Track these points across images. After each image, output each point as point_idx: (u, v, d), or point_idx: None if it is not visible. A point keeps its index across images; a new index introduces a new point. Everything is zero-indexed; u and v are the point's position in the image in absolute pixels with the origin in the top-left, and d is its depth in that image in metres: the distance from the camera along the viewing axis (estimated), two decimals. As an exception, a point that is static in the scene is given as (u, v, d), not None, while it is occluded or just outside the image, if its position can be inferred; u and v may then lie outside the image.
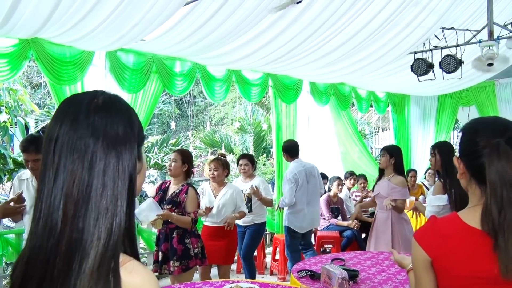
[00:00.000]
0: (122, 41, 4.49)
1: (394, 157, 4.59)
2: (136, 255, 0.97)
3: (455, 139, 12.70)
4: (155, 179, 10.93)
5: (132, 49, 5.06)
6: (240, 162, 5.35)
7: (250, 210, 5.10)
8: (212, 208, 4.61)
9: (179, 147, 11.96)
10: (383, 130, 14.76)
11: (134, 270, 0.91)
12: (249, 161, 5.32)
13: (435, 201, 4.01)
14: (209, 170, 4.73)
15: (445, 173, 3.93)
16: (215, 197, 4.70)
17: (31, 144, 3.45)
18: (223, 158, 4.88)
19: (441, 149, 3.98)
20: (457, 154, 1.43)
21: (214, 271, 4.93)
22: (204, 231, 4.68)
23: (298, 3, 3.76)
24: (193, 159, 4.24)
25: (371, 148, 13.59)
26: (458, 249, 1.33)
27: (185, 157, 4.10)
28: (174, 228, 3.95)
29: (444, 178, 3.93)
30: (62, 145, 0.89)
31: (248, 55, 5.41)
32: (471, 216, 1.35)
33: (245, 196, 5.11)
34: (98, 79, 4.99)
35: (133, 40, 4.59)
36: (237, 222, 4.93)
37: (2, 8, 3.50)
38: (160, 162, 10.79)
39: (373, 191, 4.84)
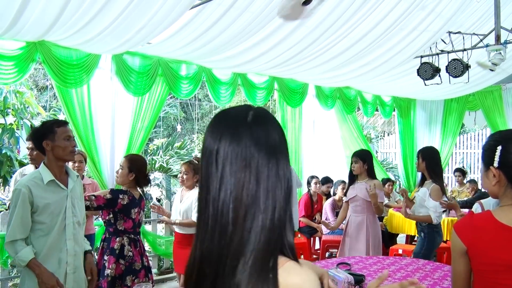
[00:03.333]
0: (128, 44, 4.50)
1: (366, 162, 4.65)
2: (294, 257, 1.02)
3: (460, 143, 12.65)
4: (160, 182, 10.94)
5: (138, 52, 5.08)
6: None
7: None
8: (169, 215, 4.47)
9: (184, 149, 11.97)
10: (388, 134, 14.71)
11: (292, 271, 0.96)
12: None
13: (440, 207, 4.16)
14: (179, 173, 4.50)
15: (436, 176, 4.22)
16: (181, 202, 4.44)
17: (32, 133, 3.68)
18: (196, 162, 4.54)
19: (424, 154, 4.33)
20: (495, 164, 1.63)
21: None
22: (175, 239, 4.51)
23: (305, 3, 3.74)
24: (145, 167, 3.76)
25: (377, 152, 13.53)
26: (489, 241, 1.61)
27: (133, 165, 3.65)
28: (103, 239, 3.68)
29: (436, 181, 4.21)
30: (225, 156, 0.98)
31: (254, 58, 5.41)
32: (503, 214, 1.63)
33: None
34: (104, 82, 5.02)
35: (139, 43, 4.60)
36: None
37: (9, 11, 3.52)
38: (165, 165, 10.79)
39: (345, 196, 4.85)
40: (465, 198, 7.09)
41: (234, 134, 0.99)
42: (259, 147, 0.98)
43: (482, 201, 3.58)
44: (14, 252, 2.63)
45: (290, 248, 1.02)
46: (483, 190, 6.45)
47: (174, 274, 5.70)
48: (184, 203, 4.36)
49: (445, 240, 6.22)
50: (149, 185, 4.24)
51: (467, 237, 1.66)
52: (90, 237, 4.78)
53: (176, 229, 4.47)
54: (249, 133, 0.99)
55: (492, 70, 5.30)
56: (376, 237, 4.62)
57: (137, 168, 3.66)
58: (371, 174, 4.67)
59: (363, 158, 4.67)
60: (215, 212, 0.98)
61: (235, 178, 0.97)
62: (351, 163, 4.74)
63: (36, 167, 3.91)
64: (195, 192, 4.35)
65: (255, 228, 0.95)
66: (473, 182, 7.53)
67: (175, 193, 8.91)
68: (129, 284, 3.53)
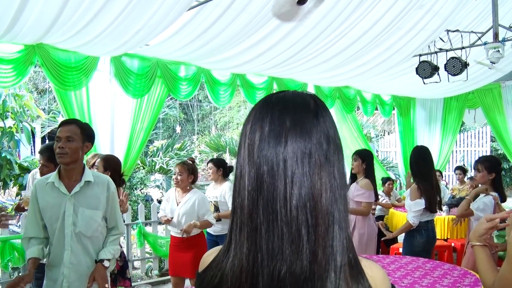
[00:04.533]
0: (126, 46, 4.51)
1: (365, 162, 4.63)
2: None
3: (461, 141, 12.65)
4: (161, 183, 10.94)
5: (137, 54, 5.08)
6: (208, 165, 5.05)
7: (219, 220, 4.74)
8: (172, 218, 4.34)
9: (184, 151, 11.98)
10: (388, 133, 14.71)
11: (371, 266, 0.89)
12: (214, 165, 4.93)
13: (414, 206, 4.13)
14: (174, 174, 4.42)
15: (421, 177, 4.18)
16: (178, 204, 4.36)
17: (46, 150, 3.64)
18: (190, 163, 4.48)
19: (414, 155, 4.33)
20: None
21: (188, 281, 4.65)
22: (171, 242, 4.45)
23: (299, 3, 3.73)
24: (120, 167, 3.87)
25: (377, 151, 13.54)
26: None
27: (108, 164, 3.78)
28: None
29: (419, 183, 4.16)
30: (295, 154, 0.84)
31: (252, 59, 5.41)
32: None
33: (212, 203, 4.80)
34: (103, 84, 5.02)
35: (138, 45, 4.60)
36: (208, 230, 4.69)
37: (7, 14, 3.53)
38: (165, 166, 10.80)
39: None
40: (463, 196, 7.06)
41: (303, 129, 0.85)
42: (330, 143, 0.86)
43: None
44: (25, 249, 2.69)
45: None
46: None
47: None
48: (183, 206, 4.31)
49: (443, 238, 6.24)
50: (124, 185, 4.16)
51: None
52: None
53: (172, 232, 4.42)
54: (319, 127, 0.86)
55: (491, 68, 5.29)
56: (366, 236, 4.56)
57: (112, 167, 3.75)
58: (368, 174, 4.63)
59: (363, 157, 4.66)
60: (288, 222, 0.82)
61: (311, 180, 0.83)
62: (352, 162, 4.74)
63: None
64: (194, 195, 4.32)
65: (336, 235, 0.83)
66: (472, 179, 7.48)
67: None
68: (129, 277, 3.64)
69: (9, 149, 6.27)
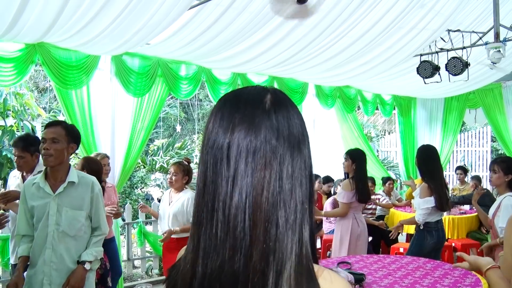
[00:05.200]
0: (127, 45, 4.50)
1: (355, 163, 4.55)
2: (317, 262, 0.87)
3: (461, 141, 12.64)
4: (161, 183, 10.94)
5: (138, 53, 5.08)
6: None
7: None
8: (157, 215, 4.41)
9: (185, 150, 11.98)
10: (389, 133, 14.71)
11: (334, 280, 0.83)
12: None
13: (423, 204, 4.13)
14: (168, 174, 4.42)
15: (430, 177, 4.16)
16: (170, 204, 4.34)
17: (19, 141, 3.78)
18: (186, 163, 4.47)
19: (421, 154, 4.30)
20: None
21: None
22: (165, 243, 4.39)
23: (300, 1, 3.73)
24: (99, 171, 3.84)
25: (377, 151, 13.53)
26: None
27: (87, 164, 3.77)
28: None
29: (428, 182, 4.15)
30: (240, 152, 0.81)
31: (253, 58, 5.41)
32: None
33: None
34: (103, 83, 5.02)
35: (139, 44, 4.60)
36: None
37: (8, 13, 3.53)
38: (165, 165, 10.79)
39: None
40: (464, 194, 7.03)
41: (250, 124, 0.82)
42: (281, 139, 0.81)
43: None
44: (17, 246, 2.81)
45: (314, 254, 0.86)
46: (484, 187, 6.43)
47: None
48: (173, 206, 4.29)
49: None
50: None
51: None
52: (110, 242, 4.62)
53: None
54: (269, 122, 0.82)
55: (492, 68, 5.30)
56: (356, 236, 4.54)
57: (90, 168, 3.71)
58: (358, 175, 4.54)
59: (353, 157, 4.57)
60: (226, 220, 0.80)
61: (253, 178, 0.80)
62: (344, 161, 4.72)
63: (23, 175, 3.91)
64: (185, 194, 4.30)
65: (282, 237, 0.79)
66: (476, 178, 7.45)
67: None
68: (110, 285, 3.66)
69: (10, 148, 6.26)
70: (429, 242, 4.18)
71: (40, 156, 2.82)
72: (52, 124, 2.81)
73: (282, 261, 0.78)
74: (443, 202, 4.14)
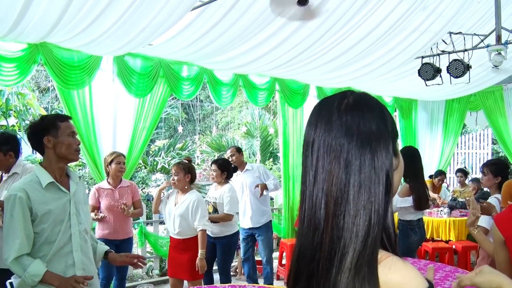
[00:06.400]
0: (129, 45, 4.51)
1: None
2: (395, 252, 0.95)
3: (462, 143, 12.63)
4: (162, 183, 10.95)
5: (140, 54, 5.09)
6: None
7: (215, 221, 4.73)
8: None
9: (186, 150, 11.99)
10: (390, 135, 14.67)
11: (393, 267, 0.89)
12: (219, 167, 4.89)
13: (401, 203, 4.42)
14: (171, 175, 4.37)
15: (412, 177, 4.41)
16: (175, 205, 4.28)
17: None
18: (186, 162, 4.40)
19: (405, 155, 4.26)
20: None
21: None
22: (171, 243, 4.39)
23: (300, 3, 3.74)
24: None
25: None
26: None
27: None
28: None
29: (410, 182, 4.43)
30: (318, 147, 0.95)
31: (255, 59, 5.42)
32: None
33: (211, 204, 4.81)
34: (106, 83, 5.03)
35: (141, 45, 4.61)
36: (207, 232, 4.54)
37: (11, 13, 3.54)
38: (167, 166, 10.81)
39: None
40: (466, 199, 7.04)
41: (327, 123, 0.95)
42: (349, 136, 0.92)
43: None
44: (22, 269, 2.26)
45: (391, 244, 0.96)
46: (484, 189, 6.42)
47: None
48: (179, 208, 4.22)
49: (445, 240, 6.23)
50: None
51: (506, 229, 1.84)
52: (128, 242, 4.66)
53: (171, 233, 4.35)
54: (339, 121, 0.94)
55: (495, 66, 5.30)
56: None
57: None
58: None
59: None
60: (310, 207, 0.95)
61: (326, 171, 0.93)
62: None
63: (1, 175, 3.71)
64: (190, 196, 4.24)
65: (347, 226, 0.90)
66: (476, 181, 7.45)
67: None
68: None
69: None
70: (414, 239, 4.46)
71: (64, 150, 2.41)
72: (68, 117, 2.56)
73: (346, 247, 0.89)
74: (422, 201, 4.41)
